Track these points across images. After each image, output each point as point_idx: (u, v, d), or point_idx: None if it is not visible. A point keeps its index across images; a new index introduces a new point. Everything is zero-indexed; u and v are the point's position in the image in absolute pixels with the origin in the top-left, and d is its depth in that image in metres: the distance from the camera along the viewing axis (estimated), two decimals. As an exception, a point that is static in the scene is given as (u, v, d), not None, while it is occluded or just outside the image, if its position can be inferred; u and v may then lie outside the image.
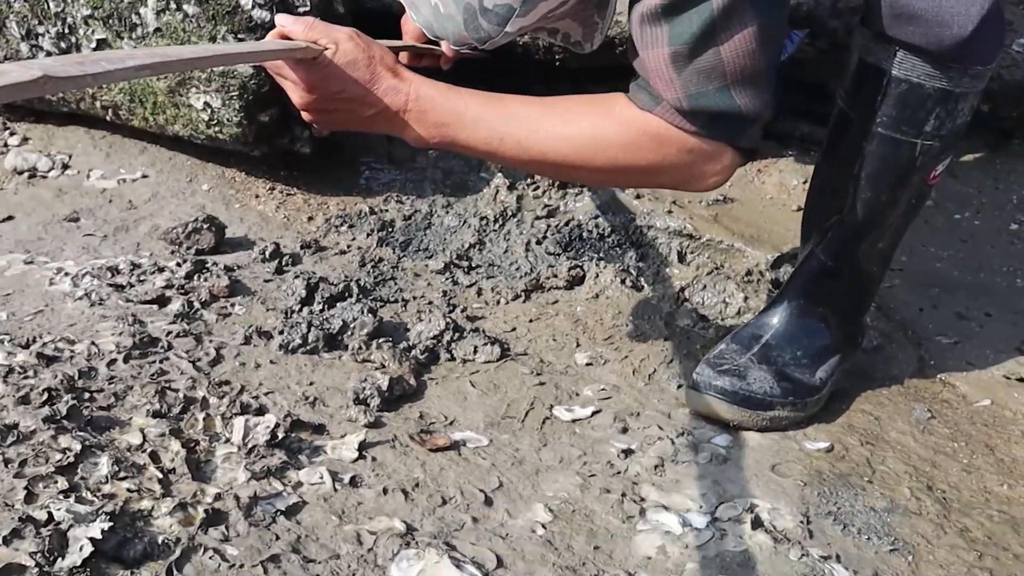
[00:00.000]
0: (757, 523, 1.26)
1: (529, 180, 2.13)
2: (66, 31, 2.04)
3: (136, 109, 2.10)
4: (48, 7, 2.02)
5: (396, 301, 1.76)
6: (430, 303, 1.77)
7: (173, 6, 1.92)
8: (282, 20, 1.26)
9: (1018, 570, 1.23)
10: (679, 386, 1.56)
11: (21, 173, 2.12)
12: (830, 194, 1.49)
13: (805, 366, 1.50)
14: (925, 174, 1.40)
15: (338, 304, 1.69)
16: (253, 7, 1.87)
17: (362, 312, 1.64)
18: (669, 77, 1.19)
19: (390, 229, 2.00)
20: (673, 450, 1.39)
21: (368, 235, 1.98)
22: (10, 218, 1.94)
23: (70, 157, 2.17)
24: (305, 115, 1.31)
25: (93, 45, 2.03)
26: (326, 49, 1.22)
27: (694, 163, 1.24)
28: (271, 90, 1.96)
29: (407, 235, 2.00)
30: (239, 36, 1.90)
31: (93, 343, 1.49)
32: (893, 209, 1.44)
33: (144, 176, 2.12)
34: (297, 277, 1.73)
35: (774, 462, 1.40)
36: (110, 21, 1.99)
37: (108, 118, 2.17)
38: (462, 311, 1.75)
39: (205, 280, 1.73)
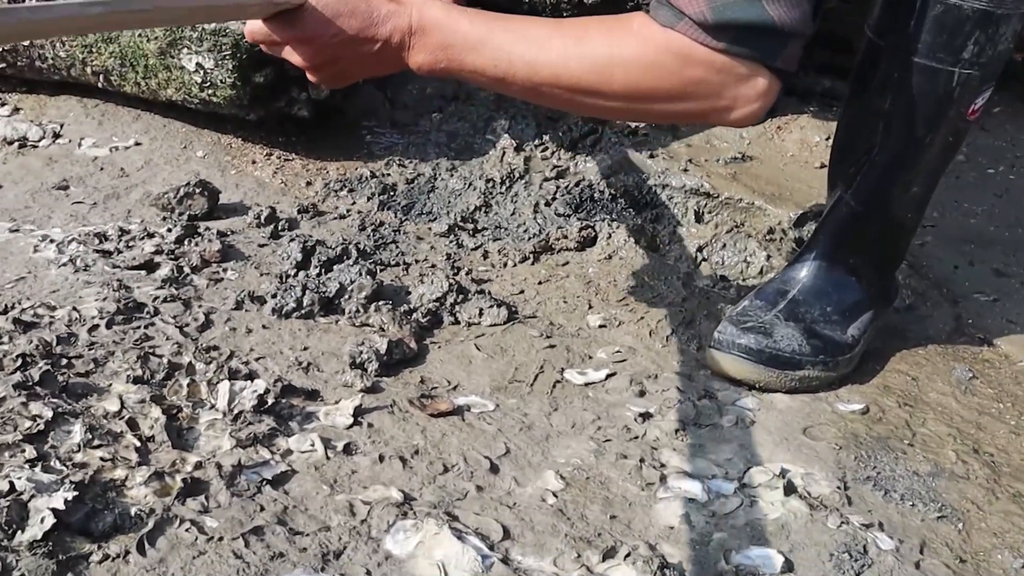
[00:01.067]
0: (790, 489, 1.15)
1: (537, 141, 2.03)
2: (52, -8, 1.95)
3: (127, 74, 2.01)
4: (33, -33, 1.93)
5: (397, 264, 1.67)
6: (433, 266, 1.67)
7: (161, -39, 1.82)
8: None
9: (1075, 536, 1.12)
10: (699, 348, 1.46)
11: (11, 143, 2.03)
12: (859, 135, 1.37)
13: (836, 323, 1.40)
14: (963, 107, 1.28)
15: (335, 267, 1.60)
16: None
17: (360, 274, 1.55)
18: None
19: (392, 193, 1.90)
20: (695, 413, 1.29)
21: (369, 199, 1.88)
22: (-3, 187, 1.86)
23: (62, 126, 2.08)
24: (310, 76, 1.20)
25: (80, 6, 1.94)
26: None
27: (724, 86, 1.09)
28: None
29: (410, 199, 1.90)
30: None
31: (75, 309, 1.40)
32: (928, 147, 1.32)
33: (137, 144, 2.03)
34: (293, 240, 1.64)
35: (805, 424, 1.29)
36: (97, -20, 1.90)
37: (100, 84, 2.08)
38: (467, 273, 1.65)
39: (196, 245, 1.64)
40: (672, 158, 1.94)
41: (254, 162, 2.00)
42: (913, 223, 1.44)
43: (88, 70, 2.06)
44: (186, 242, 1.65)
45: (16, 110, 2.14)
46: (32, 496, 0.96)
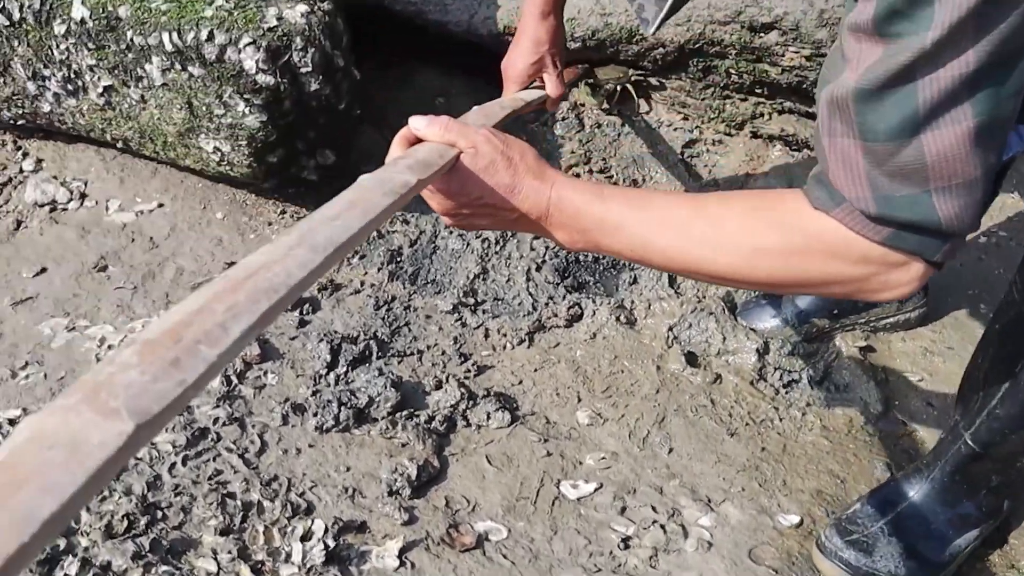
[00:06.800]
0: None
1: (526, 194, 2.25)
2: (72, 75, 2.09)
3: (147, 144, 2.18)
4: (52, 53, 2.06)
5: (412, 354, 1.94)
6: (443, 353, 1.94)
7: (178, 67, 1.97)
8: (416, 123, 1.17)
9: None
10: (670, 451, 1.78)
11: (42, 206, 2.22)
12: (984, 381, 1.43)
13: (939, 540, 1.51)
14: None
15: (360, 368, 1.87)
16: (257, 72, 1.93)
17: (385, 387, 1.83)
18: (857, 173, 0.98)
19: (398, 259, 2.14)
20: (665, 539, 1.63)
21: (379, 268, 2.12)
22: (43, 271, 2.07)
23: (86, 184, 2.26)
24: (444, 219, 1.22)
25: (100, 90, 2.08)
26: (464, 152, 1.14)
27: (874, 275, 1.03)
28: (279, 136, 2.05)
29: (415, 264, 2.14)
30: (244, 96, 1.97)
31: (152, 445, 1.68)
32: None
33: (160, 205, 2.22)
34: (321, 340, 1.90)
35: (751, 545, 1.64)
36: (115, 71, 2.04)
37: (119, 147, 2.25)
38: (473, 364, 1.93)
39: (238, 349, 1.89)
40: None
41: (270, 223, 2.21)
42: None
43: (108, 136, 2.22)
44: (229, 347, 1.90)
45: (39, 161, 2.31)
46: None
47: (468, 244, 2.17)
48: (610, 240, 1.14)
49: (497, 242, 2.16)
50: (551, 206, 1.15)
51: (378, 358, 1.90)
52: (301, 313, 2.00)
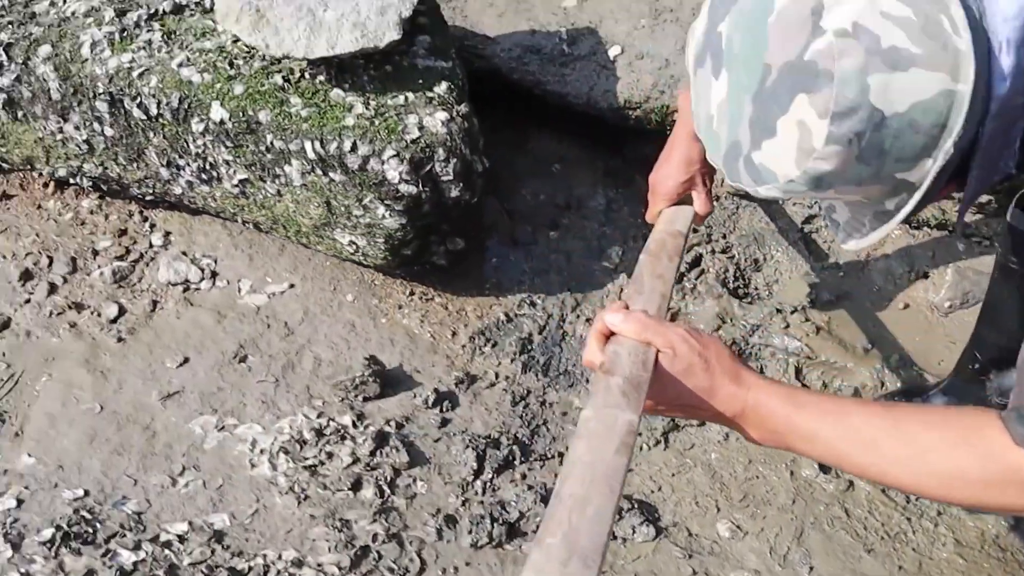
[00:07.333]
0: None
1: (650, 275, 2.27)
2: (207, 167, 2.11)
3: (279, 229, 2.21)
4: (188, 146, 2.08)
5: (553, 457, 2.00)
6: (582, 457, 2.00)
7: (319, 172, 1.99)
8: (612, 319, 1.18)
9: None
10: (810, 569, 1.83)
11: (175, 285, 2.27)
12: None
13: None
14: None
15: (505, 473, 1.93)
16: (400, 182, 1.94)
17: (535, 501, 1.89)
18: None
19: (530, 348, 2.18)
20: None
21: (512, 359, 2.16)
22: (186, 361, 2.13)
23: (216, 261, 2.30)
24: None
25: (235, 182, 2.11)
26: (661, 353, 1.15)
27: None
28: (415, 236, 2.08)
29: (546, 352, 2.18)
30: (385, 202, 1.98)
31: (319, 568, 1.76)
32: None
33: (291, 286, 2.26)
34: (467, 447, 1.96)
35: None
36: (252, 168, 2.06)
37: (249, 227, 2.28)
38: (613, 470, 1.98)
39: (386, 456, 1.96)
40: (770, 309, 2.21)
41: (400, 307, 2.25)
42: None
43: (239, 219, 2.26)
44: (377, 453, 1.96)
45: (166, 235, 2.35)
46: None
47: (595, 329, 2.20)
48: (803, 446, 1.16)
49: (623, 328, 2.19)
50: (747, 409, 1.16)
51: (521, 463, 1.96)
52: (441, 411, 2.05)
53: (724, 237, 2.37)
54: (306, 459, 1.93)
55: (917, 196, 1.10)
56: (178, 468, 1.94)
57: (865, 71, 1.00)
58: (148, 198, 2.32)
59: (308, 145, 1.95)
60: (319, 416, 2.01)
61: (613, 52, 2.39)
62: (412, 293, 2.27)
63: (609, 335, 1.21)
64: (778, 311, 2.21)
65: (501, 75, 2.41)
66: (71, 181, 2.34)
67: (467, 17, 2.50)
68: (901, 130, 1.02)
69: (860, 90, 1.00)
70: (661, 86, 2.34)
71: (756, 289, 2.31)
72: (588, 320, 2.22)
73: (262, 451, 1.96)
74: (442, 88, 2.03)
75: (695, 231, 2.37)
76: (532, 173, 2.50)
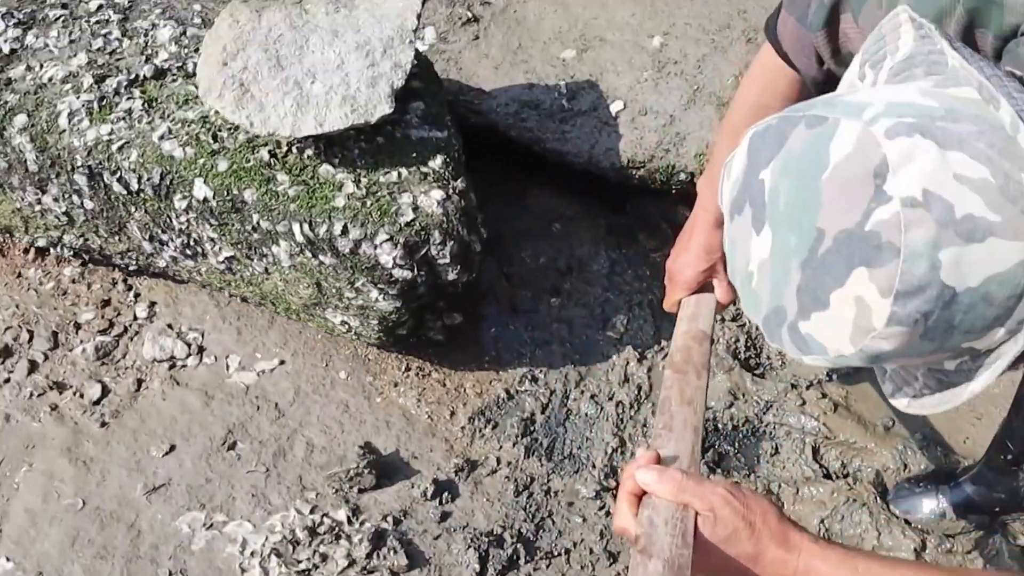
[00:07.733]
0: None
1: (657, 346, 2.17)
2: (191, 242, 2.00)
3: (268, 304, 2.11)
4: (171, 222, 1.97)
5: (559, 554, 1.89)
6: (591, 552, 1.90)
7: (308, 254, 1.87)
8: (645, 478, 1.08)
9: None
10: None
11: (161, 362, 2.16)
12: None
13: None
14: None
15: (510, 574, 1.83)
16: (394, 267, 1.83)
17: (540, 609, 1.79)
18: None
19: (532, 429, 2.07)
20: None
21: (514, 443, 2.05)
22: (172, 449, 2.02)
23: (202, 335, 2.19)
24: None
25: (221, 259, 2.00)
26: (701, 517, 1.05)
27: None
28: (410, 316, 1.97)
29: (549, 433, 2.07)
30: (379, 286, 1.87)
31: None
32: None
33: (281, 363, 2.15)
34: (469, 547, 1.86)
35: None
36: (239, 246, 1.95)
37: (237, 298, 2.18)
38: (623, 568, 1.88)
39: (384, 559, 1.85)
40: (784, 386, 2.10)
41: (395, 384, 2.14)
42: None
43: (226, 293, 2.15)
44: (375, 555, 1.86)
45: (151, 305, 2.24)
46: None
47: (602, 409, 2.09)
48: None
49: (631, 406, 2.09)
50: (798, 574, 1.05)
51: (526, 562, 1.86)
52: (441, 503, 1.95)
53: (734, 304, 2.25)
54: (299, 562, 1.83)
55: (994, 370, 0.98)
56: (164, 574, 1.84)
57: (937, 245, 0.84)
58: (132, 268, 2.21)
59: (296, 227, 1.84)
60: (312, 511, 1.91)
61: (615, 107, 2.27)
62: (408, 368, 2.16)
63: (641, 494, 1.09)
64: (793, 386, 2.10)
65: (498, 131, 2.30)
66: (51, 250, 2.23)
67: (461, 69, 2.38)
68: (973, 304, 0.89)
69: (930, 267, 0.85)
70: (666, 144, 2.23)
71: (769, 359, 2.20)
72: (593, 396, 2.11)
73: (252, 553, 1.85)
74: (437, 163, 1.91)
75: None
76: (531, 232, 2.38)
